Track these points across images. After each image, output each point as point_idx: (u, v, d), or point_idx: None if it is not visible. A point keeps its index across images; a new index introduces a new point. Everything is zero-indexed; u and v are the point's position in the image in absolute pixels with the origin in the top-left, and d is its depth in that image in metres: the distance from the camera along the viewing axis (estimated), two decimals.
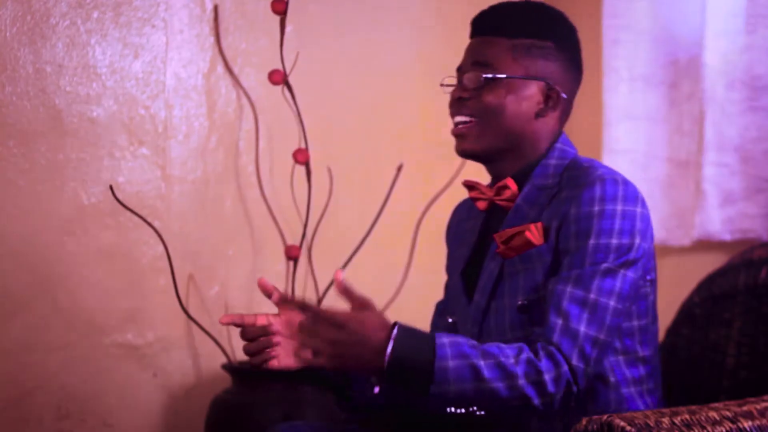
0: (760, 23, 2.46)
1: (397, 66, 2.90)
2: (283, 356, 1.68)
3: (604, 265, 1.60)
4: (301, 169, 2.52)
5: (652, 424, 1.44)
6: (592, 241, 1.60)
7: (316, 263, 2.64)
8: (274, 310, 2.71)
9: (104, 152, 2.47)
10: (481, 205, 1.79)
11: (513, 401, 1.53)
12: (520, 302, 1.67)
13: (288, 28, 2.49)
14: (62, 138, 2.42)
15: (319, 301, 2.57)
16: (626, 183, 1.65)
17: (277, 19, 2.39)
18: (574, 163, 1.72)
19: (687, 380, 2.11)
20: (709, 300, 2.11)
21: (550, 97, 1.73)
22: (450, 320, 1.88)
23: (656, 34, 2.68)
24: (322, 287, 2.61)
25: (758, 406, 1.57)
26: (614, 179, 1.64)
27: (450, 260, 1.96)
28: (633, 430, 1.42)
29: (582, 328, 1.57)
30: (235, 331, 2.63)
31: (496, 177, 1.78)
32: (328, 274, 2.61)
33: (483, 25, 1.77)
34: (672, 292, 2.65)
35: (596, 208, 1.62)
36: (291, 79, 2.43)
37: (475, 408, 1.59)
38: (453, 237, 1.96)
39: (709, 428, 1.49)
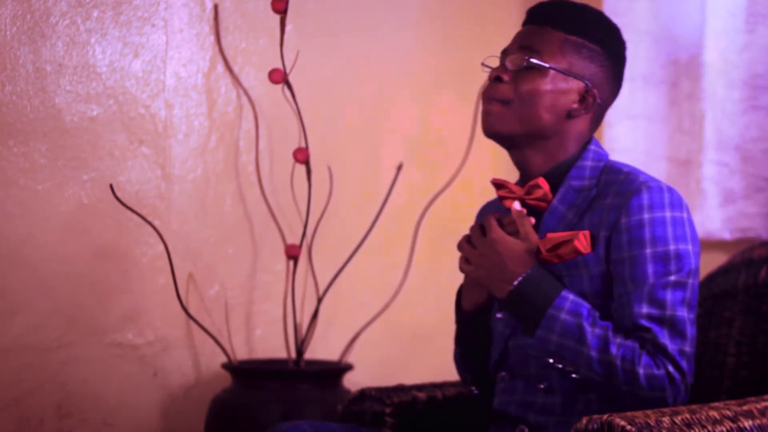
0: (760, 22, 2.46)
1: (397, 65, 2.90)
2: None
3: (673, 278, 1.61)
4: (301, 168, 2.52)
5: (652, 424, 1.44)
6: (648, 251, 1.61)
7: (316, 262, 2.64)
8: (274, 309, 2.71)
9: (104, 151, 2.47)
10: (509, 204, 1.77)
11: (604, 377, 1.59)
12: None
13: (288, 27, 2.49)
14: (62, 137, 2.42)
15: (320, 300, 2.57)
16: (670, 190, 1.66)
17: (277, 18, 2.39)
18: (611, 167, 1.72)
19: None
20: (709, 299, 2.11)
21: (585, 99, 1.73)
22: (498, 315, 1.87)
23: (656, 33, 2.68)
24: (322, 287, 2.61)
25: (759, 406, 1.56)
26: (659, 186, 1.65)
27: None
28: (633, 429, 1.41)
29: (672, 346, 1.59)
30: (236, 331, 2.63)
31: (524, 172, 1.78)
32: (328, 274, 2.60)
33: (539, 15, 1.78)
34: None
35: (647, 216, 1.62)
36: (291, 78, 2.42)
37: (571, 370, 1.63)
38: None
39: (710, 427, 1.49)
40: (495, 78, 1.74)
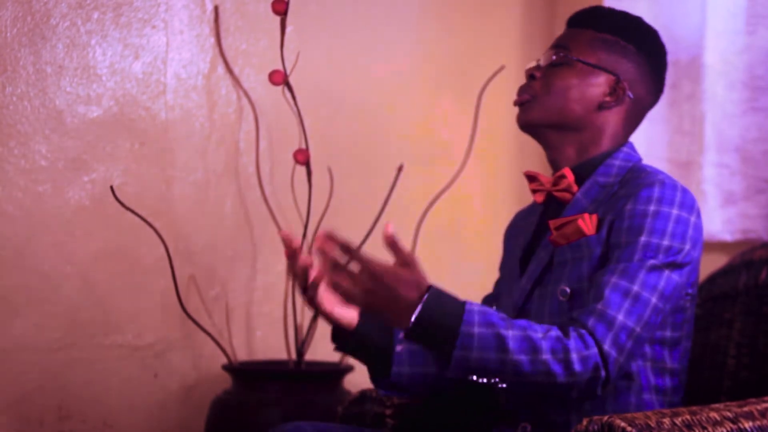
0: (760, 23, 2.46)
1: (397, 66, 2.90)
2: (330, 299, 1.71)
3: (651, 262, 1.61)
4: (301, 170, 2.52)
5: (653, 425, 1.44)
6: (643, 239, 1.62)
7: (317, 263, 2.64)
8: (275, 310, 2.71)
9: (105, 153, 2.47)
10: (539, 197, 1.80)
11: (537, 376, 1.53)
12: (566, 288, 1.68)
13: (288, 29, 2.49)
14: (63, 139, 2.42)
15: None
16: (685, 191, 1.67)
17: (277, 19, 2.39)
18: (638, 168, 1.74)
19: (688, 381, 2.11)
20: (709, 300, 2.11)
21: (616, 91, 1.76)
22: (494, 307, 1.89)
23: None
24: None
25: (759, 407, 1.57)
26: (674, 185, 1.66)
27: (505, 255, 1.96)
28: (634, 430, 1.42)
29: (620, 317, 1.57)
30: (236, 332, 2.63)
31: (556, 167, 1.80)
32: None
33: (578, 19, 1.83)
34: None
35: (652, 208, 1.63)
36: (291, 80, 2.43)
37: (497, 380, 1.59)
38: (510, 235, 1.96)
39: (710, 429, 1.49)
40: (529, 76, 1.80)
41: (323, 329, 2.69)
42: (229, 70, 2.63)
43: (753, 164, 2.47)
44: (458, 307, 1.53)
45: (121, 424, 2.50)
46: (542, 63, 1.79)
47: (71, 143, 2.43)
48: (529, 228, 1.86)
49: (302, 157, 2.47)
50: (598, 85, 1.76)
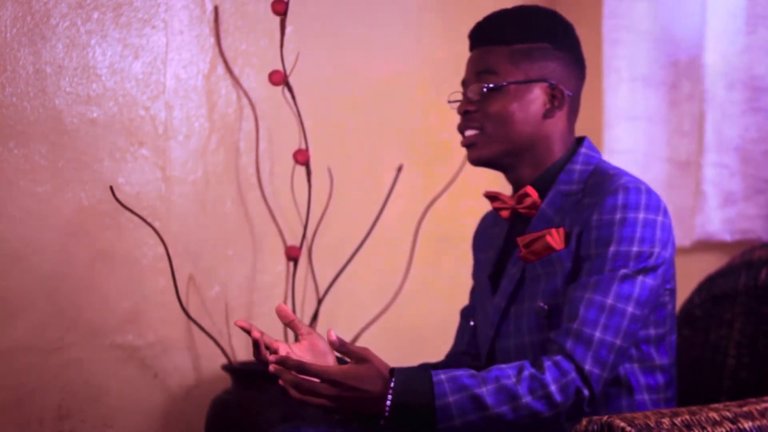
0: (760, 24, 2.46)
1: (397, 66, 2.90)
2: None
3: (623, 271, 1.60)
4: (301, 170, 2.52)
5: (652, 425, 1.44)
6: (612, 248, 1.61)
7: (317, 264, 2.65)
8: (274, 308, 2.71)
9: (104, 153, 2.47)
10: (504, 214, 1.80)
11: (523, 420, 1.54)
12: (541, 305, 1.67)
13: (288, 29, 2.49)
14: (62, 139, 2.42)
15: (320, 302, 2.57)
16: (649, 192, 1.66)
17: (277, 19, 2.39)
18: (599, 169, 1.73)
19: (688, 381, 2.11)
20: (709, 301, 2.11)
21: (555, 96, 1.74)
22: (471, 323, 1.89)
23: (657, 34, 2.68)
24: (322, 288, 2.61)
25: (758, 407, 1.56)
26: (638, 188, 1.65)
27: (476, 265, 1.96)
28: (633, 430, 1.42)
29: (597, 334, 1.57)
30: (236, 332, 2.63)
31: (516, 185, 1.79)
32: (329, 275, 2.61)
33: (480, 37, 1.79)
34: None
35: (618, 216, 1.62)
36: (291, 80, 2.43)
37: None
38: (479, 244, 1.96)
39: (710, 429, 1.49)
40: (464, 112, 1.76)
41: (323, 330, 2.69)
42: (229, 70, 2.63)
43: (753, 164, 2.47)
44: (426, 382, 1.54)
45: (120, 424, 2.50)
46: (472, 96, 1.75)
47: (71, 143, 2.43)
48: (496, 241, 1.86)
49: (302, 158, 2.47)
50: (536, 97, 1.73)
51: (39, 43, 2.39)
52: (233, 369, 2.47)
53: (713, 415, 1.52)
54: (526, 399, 1.53)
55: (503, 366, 1.56)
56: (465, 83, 1.80)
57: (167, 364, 2.56)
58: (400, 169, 2.71)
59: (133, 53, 2.52)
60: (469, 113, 1.75)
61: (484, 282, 1.85)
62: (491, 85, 1.73)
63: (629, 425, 1.42)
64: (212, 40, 2.62)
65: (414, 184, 2.83)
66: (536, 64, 1.73)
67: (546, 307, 1.67)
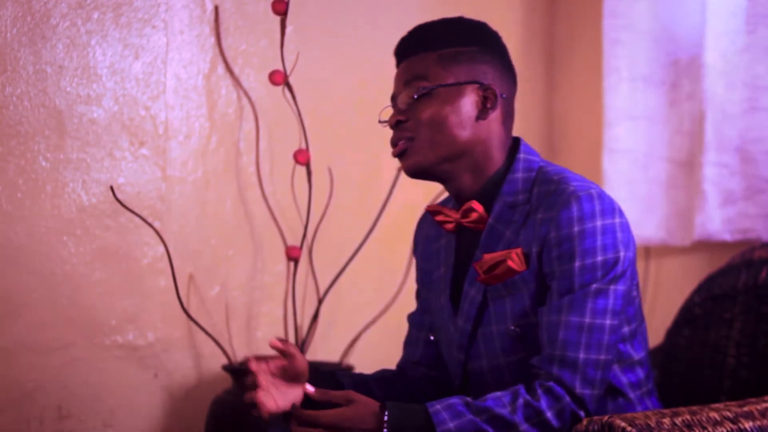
0: (760, 23, 2.46)
1: None
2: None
3: (594, 286, 1.59)
4: (301, 170, 2.52)
5: (653, 425, 1.44)
6: (577, 264, 1.60)
7: (317, 264, 2.64)
8: (275, 310, 2.71)
9: (104, 153, 2.47)
10: (449, 227, 1.76)
11: None
12: (512, 328, 1.66)
13: (288, 29, 2.49)
14: (63, 139, 2.42)
15: (320, 302, 2.57)
16: (601, 196, 1.63)
17: (277, 19, 2.39)
18: (542, 175, 1.69)
19: (688, 380, 2.11)
20: (709, 300, 2.11)
21: (487, 97, 1.70)
22: (431, 338, 1.87)
23: (657, 34, 2.68)
24: (322, 288, 2.61)
25: (759, 407, 1.57)
26: (589, 195, 1.62)
27: (423, 275, 1.92)
28: (634, 430, 1.42)
29: (581, 355, 1.57)
30: (236, 333, 2.63)
31: (458, 197, 1.74)
32: (329, 275, 2.61)
33: (406, 49, 1.75)
34: (672, 292, 2.65)
35: (576, 229, 1.60)
36: (291, 80, 2.43)
37: None
38: (423, 254, 1.91)
39: (710, 428, 1.49)
40: (395, 124, 1.71)
41: (323, 330, 2.70)
42: (229, 70, 2.63)
43: (753, 164, 2.47)
44: (422, 413, 1.55)
45: (120, 424, 2.50)
46: (402, 105, 1.71)
47: (71, 143, 2.43)
48: (446, 258, 1.81)
49: (302, 158, 2.47)
50: (468, 100, 1.69)
51: (39, 43, 2.39)
52: (233, 369, 2.47)
53: (714, 414, 1.52)
54: (524, 427, 1.53)
55: (498, 394, 1.57)
56: (394, 97, 1.75)
57: (167, 364, 2.56)
58: (400, 169, 2.71)
59: (134, 53, 2.52)
60: (401, 123, 1.70)
61: (443, 303, 1.80)
62: (422, 89, 1.68)
63: (630, 425, 1.42)
64: (212, 39, 2.62)
65: (414, 183, 2.82)
66: (465, 66, 1.70)
67: (518, 329, 1.66)
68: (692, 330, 2.14)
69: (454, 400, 1.56)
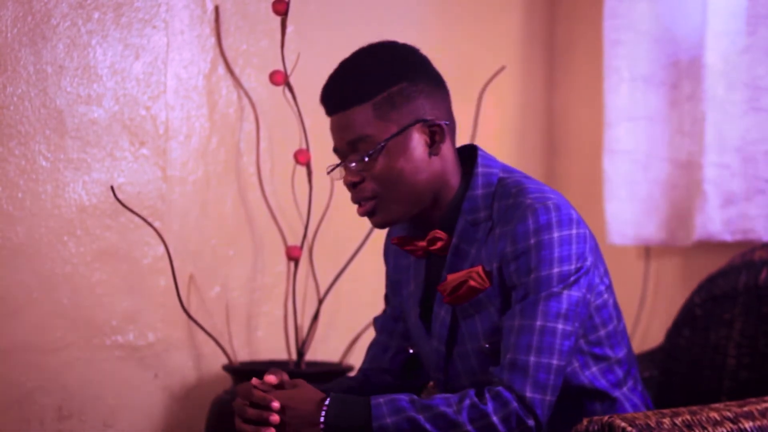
0: (760, 24, 2.46)
1: None
2: None
3: (545, 293, 1.58)
4: (302, 170, 2.52)
5: (653, 425, 1.44)
6: (533, 276, 1.59)
7: (317, 264, 2.64)
8: (275, 310, 2.71)
9: (105, 153, 2.48)
10: (419, 254, 1.75)
11: None
12: (487, 345, 1.65)
13: (289, 29, 2.49)
14: (63, 139, 2.42)
15: (320, 302, 2.57)
16: (558, 207, 1.61)
17: (278, 19, 2.40)
18: (502, 189, 1.67)
19: (688, 381, 2.11)
20: (709, 301, 2.11)
21: (434, 132, 1.67)
22: (411, 351, 1.86)
23: (657, 34, 2.68)
24: (322, 288, 2.61)
25: (759, 407, 1.57)
26: (545, 206, 1.60)
27: (392, 283, 1.90)
28: (634, 430, 1.42)
29: (532, 358, 1.56)
30: (236, 333, 2.63)
31: (424, 226, 1.73)
32: (329, 275, 2.61)
33: (335, 102, 1.72)
34: (672, 293, 2.65)
35: (532, 241, 1.59)
36: (292, 80, 2.43)
37: None
38: (395, 265, 1.89)
39: (710, 429, 1.49)
40: (351, 185, 1.70)
41: (323, 330, 2.70)
42: (230, 70, 2.63)
43: (753, 165, 2.47)
44: (364, 404, 1.55)
45: (121, 424, 2.50)
46: (353, 165, 1.69)
47: (71, 143, 2.43)
48: (416, 276, 1.79)
49: (303, 158, 2.47)
50: (417, 143, 1.65)
51: (40, 43, 2.39)
52: (234, 369, 2.47)
53: (714, 415, 1.52)
54: (468, 428, 1.53)
55: (447, 395, 1.56)
56: (338, 152, 1.73)
57: (168, 364, 2.56)
58: None
59: (134, 53, 2.52)
60: (357, 185, 1.69)
61: (415, 322, 1.79)
62: (371, 152, 1.65)
63: (630, 425, 1.42)
64: (213, 40, 2.62)
65: None
66: (403, 109, 1.65)
67: (491, 346, 1.65)
68: (692, 330, 2.14)
69: (401, 396, 1.56)
